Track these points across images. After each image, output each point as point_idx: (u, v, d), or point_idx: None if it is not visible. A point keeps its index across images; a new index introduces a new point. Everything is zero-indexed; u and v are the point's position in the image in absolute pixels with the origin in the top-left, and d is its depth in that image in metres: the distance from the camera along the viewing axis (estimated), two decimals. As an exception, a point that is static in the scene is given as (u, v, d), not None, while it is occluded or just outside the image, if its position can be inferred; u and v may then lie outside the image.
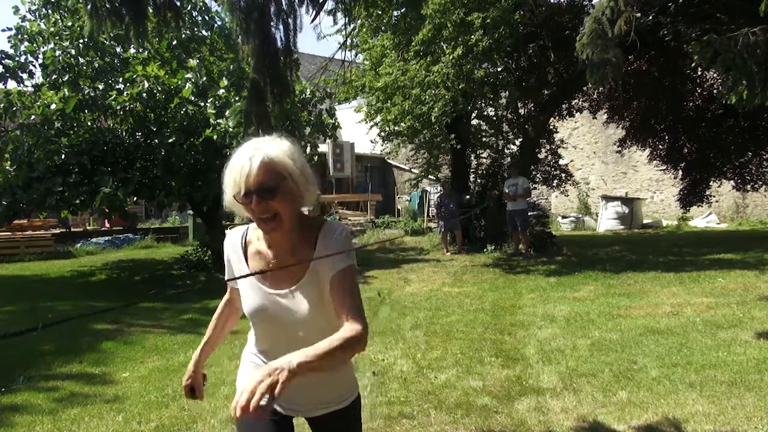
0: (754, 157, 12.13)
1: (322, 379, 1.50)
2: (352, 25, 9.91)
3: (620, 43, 6.24)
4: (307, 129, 10.23)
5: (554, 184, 12.74)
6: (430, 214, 17.44)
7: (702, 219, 15.69)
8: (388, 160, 21.16)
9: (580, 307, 6.02)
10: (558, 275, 8.13)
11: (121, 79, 9.29)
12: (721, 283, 6.81)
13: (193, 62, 9.57)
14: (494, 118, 12.08)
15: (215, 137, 8.48)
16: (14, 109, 8.98)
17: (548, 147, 12.24)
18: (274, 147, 1.43)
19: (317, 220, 1.55)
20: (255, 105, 2.78)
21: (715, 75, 10.55)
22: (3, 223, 8.68)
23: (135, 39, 2.46)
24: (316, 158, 11.37)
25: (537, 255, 10.07)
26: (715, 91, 11.39)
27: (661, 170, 14.12)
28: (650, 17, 8.93)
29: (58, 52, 9.00)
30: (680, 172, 13.11)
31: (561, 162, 12.78)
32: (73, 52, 9.10)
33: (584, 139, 18.43)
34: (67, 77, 8.96)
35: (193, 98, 9.03)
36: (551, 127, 12.16)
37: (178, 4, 2.71)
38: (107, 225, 15.84)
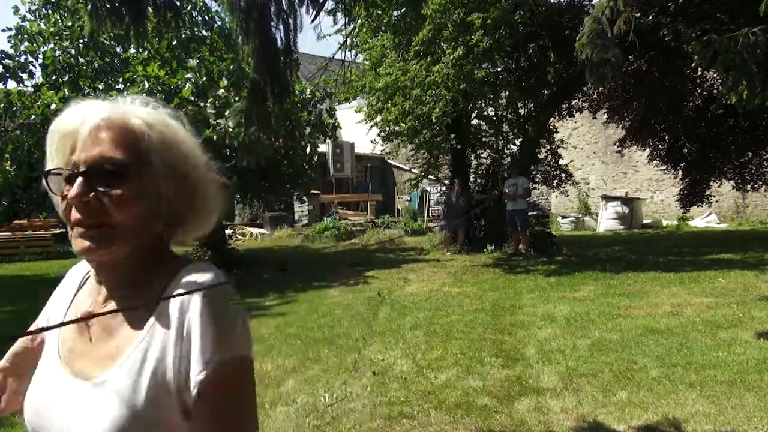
0: (754, 157, 12.13)
1: None
2: (352, 25, 9.90)
3: (620, 42, 6.24)
4: (307, 129, 10.24)
5: (554, 184, 12.74)
6: (430, 213, 17.45)
7: (702, 219, 15.69)
8: (388, 160, 21.15)
9: (580, 307, 6.02)
10: (558, 275, 8.13)
11: (121, 80, 9.29)
12: (721, 283, 6.81)
13: (193, 62, 9.57)
14: (494, 118, 12.08)
15: (215, 137, 8.49)
16: (14, 109, 8.99)
17: (548, 147, 12.24)
18: (137, 107, 0.86)
19: (177, 260, 0.87)
20: (255, 105, 2.78)
21: (715, 75, 10.54)
22: (3, 222, 8.69)
23: (135, 39, 2.46)
24: (316, 158, 11.38)
25: (537, 255, 10.07)
26: (715, 91, 11.39)
27: (661, 170, 14.12)
28: (650, 17, 8.92)
29: (58, 52, 9.01)
30: (680, 172, 13.12)
31: (561, 162, 12.78)
32: (73, 52, 9.11)
33: (584, 139, 18.44)
34: (67, 77, 8.96)
35: (192, 98, 9.04)
36: (551, 127, 12.16)
37: (178, 4, 2.71)
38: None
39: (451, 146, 11.60)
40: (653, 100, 11.92)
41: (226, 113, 8.24)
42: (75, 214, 0.79)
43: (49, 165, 0.84)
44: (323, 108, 10.74)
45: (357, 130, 13.36)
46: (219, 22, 9.98)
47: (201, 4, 9.86)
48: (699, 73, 11.46)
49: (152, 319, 0.80)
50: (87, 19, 2.33)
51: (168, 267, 0.85)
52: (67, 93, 8.80)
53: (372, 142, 12.69)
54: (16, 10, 9.51)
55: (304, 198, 14.49)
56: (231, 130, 8.01)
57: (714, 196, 13.67)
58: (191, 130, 0.90)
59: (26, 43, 9.26)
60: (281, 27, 2.57)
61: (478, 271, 9.01)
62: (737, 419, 3.07)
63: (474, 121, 12.19)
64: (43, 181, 0.83)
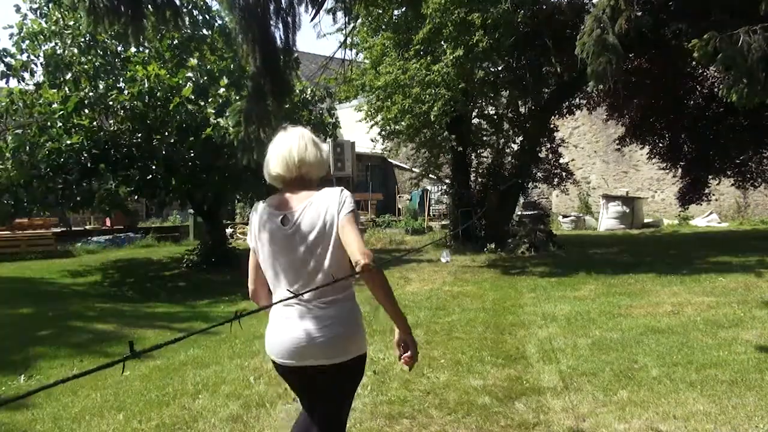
0: (754, 155, 12.12)
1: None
2: (352, 24, 9.89)
3: (620, 41, 6.23)
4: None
5: (555, 183, 12.73)
6: (431, 213, 17.43)
7: (703, 218, 15.67)
8: (389, 159, 21.14)
9: (581, 307, 6.02)
10: (558, 275, 8.13)
11: (122, 79, 9.29)
12: (722, 283, 6.80)
13: (193, 61, 9.56)
14: (495, 117, 12.07)
15: (215, 137, 8.48)
16: (15, 107, 8.99)
17: (549, 146, 12.23)
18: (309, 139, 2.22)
19: (319, 188, 2.10)
20: (255, 104, 2.78)
21: (715, 73, 10.53)
22: (4, 220, 8.69)
23: (133, 37, 2.46)
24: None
25: (537, 254, 10.07)
26: (715, 90, 11.37)
27: (661, 169, 14.11)
28: (650, 16, 8.91)
29: (59, 51, 9.00)
30: (680, 171, 13.10)
31: (562, 161, 12.77)
32: (74, 50, 9.10)
33: (585, 138, 18.42)
34: (68, 76, 8.96)
35: (193, 97, 9.03)
36: (552, 125, 12.15)
37: (178, 3, 2.70)
38: (108, 224, 15.86)
39: (451, 145, 11.59)
40: (653, 98, 11.91)
41: (226, 112, 8.24)
42: None
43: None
44: (323, 107, 10.73)
45: (357, 128, 13.35)
46: (219, 22, 9.97)
47: (201, 3, 9.85)
48: (699, 71, 11.45)
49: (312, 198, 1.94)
50: (84, 16, 2.33)
51: (317, 189, 1.98)
52: (68, 92, 8.79)
53: (372, 141, 12.68)
54: (18, 8, 9.51)
55: (305, 197, 14.46)
56: (231, 129, 8.04)
57: (715, 195, 13.65)
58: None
59: (27, 42, 9.26)
60: (281, 26, 2.57)
61: (478, 271, 9.01)
62: (738, 418, 3.07)
63: (474, 120, 12.18)
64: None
